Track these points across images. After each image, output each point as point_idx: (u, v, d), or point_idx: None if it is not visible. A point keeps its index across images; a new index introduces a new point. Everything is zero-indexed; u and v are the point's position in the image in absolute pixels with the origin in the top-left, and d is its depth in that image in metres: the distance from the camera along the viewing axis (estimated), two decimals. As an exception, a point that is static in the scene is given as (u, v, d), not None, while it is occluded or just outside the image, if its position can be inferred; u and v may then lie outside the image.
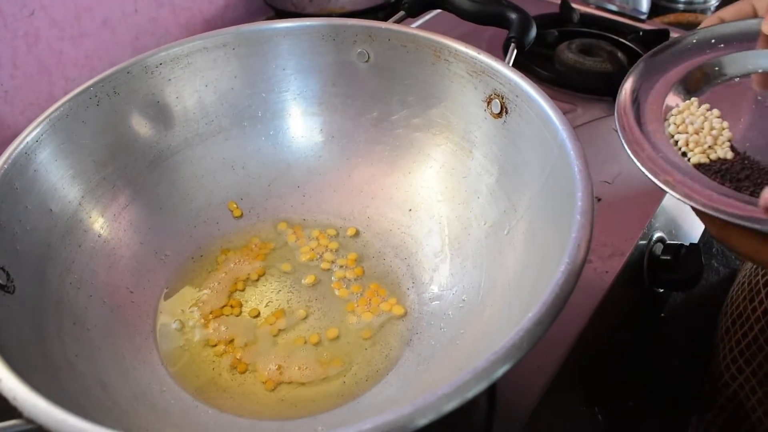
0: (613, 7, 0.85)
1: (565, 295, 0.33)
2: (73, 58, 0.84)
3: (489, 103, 0.49)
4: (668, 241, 0.58)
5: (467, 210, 0.50)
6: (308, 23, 0.53)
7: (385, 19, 0.54)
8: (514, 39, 0.51)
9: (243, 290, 0.50)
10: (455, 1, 0.53)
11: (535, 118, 0.44)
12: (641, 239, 0.55)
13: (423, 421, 0.28)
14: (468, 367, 0.30)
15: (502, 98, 0.47)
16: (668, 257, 0.56)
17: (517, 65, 0.48)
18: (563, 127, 0.42)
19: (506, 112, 0.47)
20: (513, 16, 0.52)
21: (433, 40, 0.50)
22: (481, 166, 0.50)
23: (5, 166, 0.42)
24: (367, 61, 0.53)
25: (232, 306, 0.49)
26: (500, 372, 0.30)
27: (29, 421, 0.31)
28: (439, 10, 0.59)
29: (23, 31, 0.78)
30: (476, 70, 0.49)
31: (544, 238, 0.42)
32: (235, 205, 0.55)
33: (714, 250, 0.67)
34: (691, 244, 0.56)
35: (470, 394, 0.29)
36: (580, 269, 0.34)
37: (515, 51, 0.50)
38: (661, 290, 0.58)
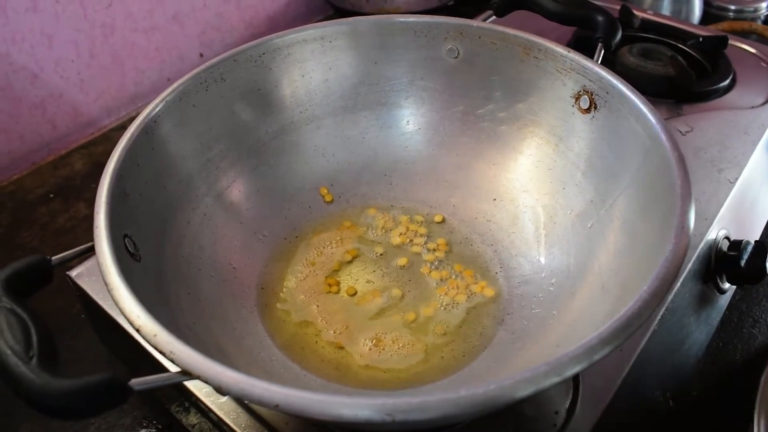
0: (666, 13, 0.87)
1: (675, 270, 0.35)
2: (144, 49, 0.87)
3: (577, 99, 0.51)
4: (733, 238, 0.60)
5: (553, 200, 0.53)
6: (402, 20, 0.55)
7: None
8: (602, 39, 0.53)
9: (338, 270, 0.53)
10: (543, 2, 0.56)
11: (626, 112, 0.47)
12: (708, 235, 0.57)
13: (546, 383, 0.30)
14: (569, 343, 0.31)
15: (592, 94, 0.50)
16: (734, 253, 0.59)
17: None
18: (656, 120, 0.44)
19: (595, 108, 0.50)
20: (600, 18, 0.54)
21: (523, 38, 0.53)
22: (567, 159, 0.52)
23: (130, 143, 0.44)
24: (456, 57, 0.56)
25: (330, 284, 0.51)
26: (623, 338, 0.32)
27: (185, 372, 0.33)
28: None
29: (101, 22, 0.80)
30: (565, 67, 0.51)
31: (634, 226, 0.45)
32: (326, 191, 0.57)
33: (771, 250, 0.69)
34: (756, 241, 0.59)
35: (597, 356, 0.32)
36: (685, 250, 0.36)
37: (603, 50, 0.53)
38: (726, 285, 0.60)
